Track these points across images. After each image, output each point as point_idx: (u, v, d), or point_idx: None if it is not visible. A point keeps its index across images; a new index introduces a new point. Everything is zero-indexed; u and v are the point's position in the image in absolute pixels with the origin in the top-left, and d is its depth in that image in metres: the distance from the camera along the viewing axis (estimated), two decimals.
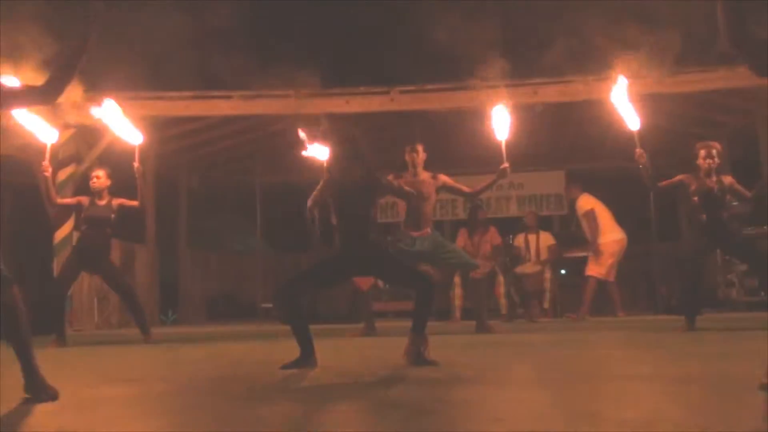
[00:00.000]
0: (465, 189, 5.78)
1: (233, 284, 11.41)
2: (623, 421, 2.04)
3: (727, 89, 7.39)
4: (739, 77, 6.83)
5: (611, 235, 8.10)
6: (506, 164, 5.38)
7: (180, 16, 6.13)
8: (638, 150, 5.16)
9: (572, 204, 8.76)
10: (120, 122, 5.40)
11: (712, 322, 5.91)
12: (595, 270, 8.04)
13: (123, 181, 5.88)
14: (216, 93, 7.72)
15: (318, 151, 5.11)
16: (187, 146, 9.78)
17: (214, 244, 12.00)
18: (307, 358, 3.54)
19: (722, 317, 6.76)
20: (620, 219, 8.57)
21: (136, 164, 5.49)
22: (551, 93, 7.39)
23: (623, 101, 5.11)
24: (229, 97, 7.72)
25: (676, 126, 9.32)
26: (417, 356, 3.47)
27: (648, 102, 6.63)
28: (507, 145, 5.38)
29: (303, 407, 2.48)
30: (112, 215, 5.63)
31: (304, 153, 5.16)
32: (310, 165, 5.54)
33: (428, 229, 5.60)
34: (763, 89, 5.75)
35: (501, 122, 5.36)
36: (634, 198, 10.66)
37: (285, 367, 3.44)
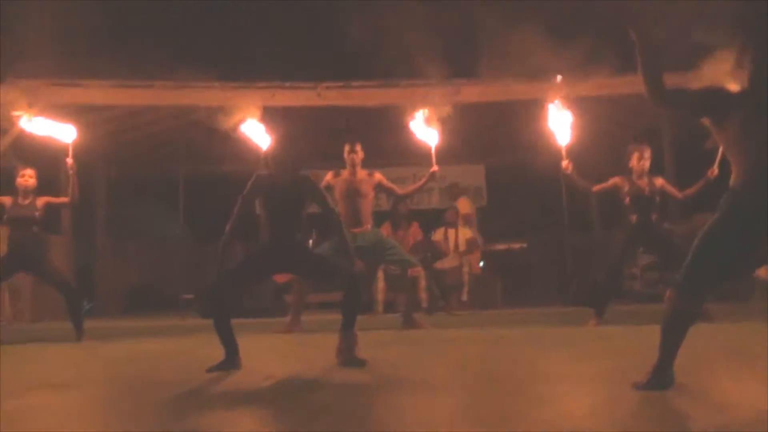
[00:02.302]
0: (397, 190, 6.04)
1: (154, 274, 11.18)
2: (532, 421, 2.24)
3: (637, 94, 7.82)
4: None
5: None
6: (436, 167, 5.64)
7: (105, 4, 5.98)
8: (565, 162, 5.43)
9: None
10: (48, 124, 5.29)
11: (617, 315, 6.31)
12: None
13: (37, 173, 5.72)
14: (137, 82, 7.54)
15: (258, 141, 5.18)
16: (105, 134, 9.48)
17: (134, 233, 11.70)
18: (231, 360, 3.59)
19: (626, 309, 7.23)
20: (535, 210, 9.05)
21: (69, 160, 5.40)
22: (473, 93, 7.65)
23: (558, 116, 5.36)
24: (150, 86, 7.56)
25: (591, 126, 9.81)
26: (348, 354, 3.60)
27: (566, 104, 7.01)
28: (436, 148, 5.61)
29: (229, 414, 2.54)
30: (36, 213, 5.47)
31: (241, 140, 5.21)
32: (235, 154, 5.57)
33: (368, 226, 5.78)
34: None
35: (431, 127, 5.57)
36: (547, 190, 11.17)
37: (210, 370, 3.48)
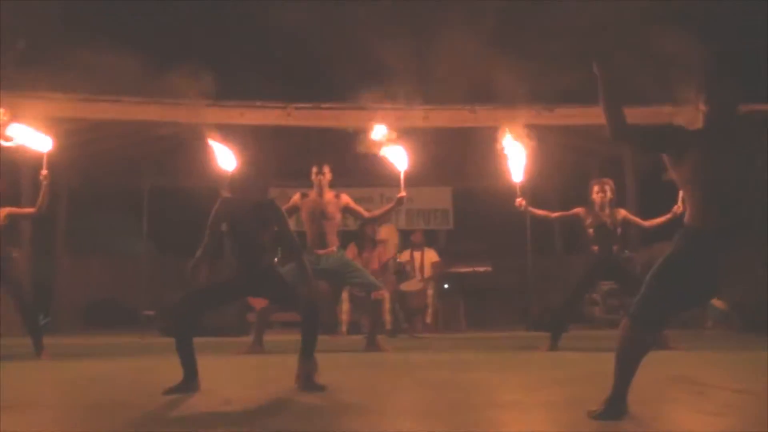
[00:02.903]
0: (364, 213, 6.06)
1: (115, 289, 10.98)
2: None
3: (599, 124, 8.03)
4: None
5: None
6: (403, 193, 5.69)
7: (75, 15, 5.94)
8: (518, 200, 5.63)
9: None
10: (26, 132, 5.21)
11: (579, 340, 6.41)
12: None
13: None
14: (105, 97, 7.47)
15: (223, 161, 5.16)
16: (68, 145, 9.34)
17: (96, 247, 11.50)
18: (189, 383, 3.56)
19: (587, 335, 7.35)
20: (500, 234, 9.16)
21: (44, 171, 5.32)
22: (441, 118, 7.77)
23: (513, 153, 5.52)
24: (118, 102, 7.49)
25: (556, 152, 10.02)
26: (307, 381, 3.61)
27: (530, 130, 7.19)
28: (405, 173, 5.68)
29: None
30: None
31: (210, 160, 5.19)
32: (201, 169, 5.55)
33: (333, 248, 5.80)
34: None
35: (400, 153, 5.64)
36: (511, 214, 11.30)
37: (168, 392, 3.44)
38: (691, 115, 2.91)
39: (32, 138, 5.34)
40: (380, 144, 5.73)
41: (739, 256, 2.62)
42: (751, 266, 2.62)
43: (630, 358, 2.77)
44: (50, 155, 8.66)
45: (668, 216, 5.77)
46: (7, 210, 5.45)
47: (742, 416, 2.79)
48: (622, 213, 5.86)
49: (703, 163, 2.73)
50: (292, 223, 4.47)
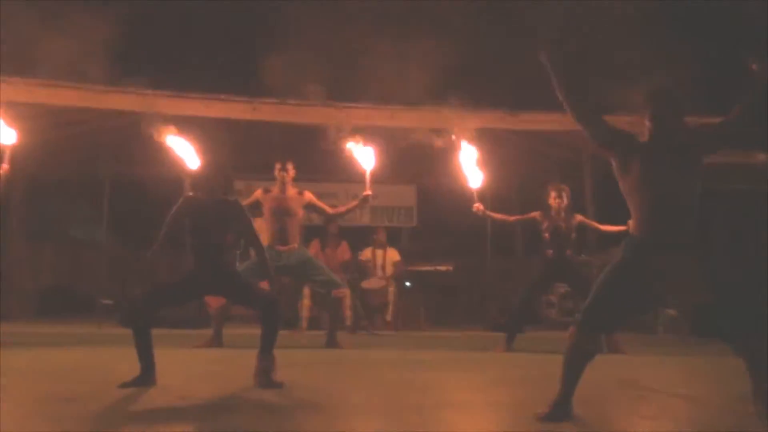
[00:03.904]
0: (327, 210, 6.09)
1: (71, 277, 10.80)
2: None
3: (560, 130, 8.22)
4: (570, 121, 7.64)
5: None
6: (369, 192, 5.74)
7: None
8: (475, 205, 5.76)
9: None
10: None
11: (534, 341, 6.54)
12: None
13: None
14: (64, 83, 7.32)
15: (186, 159, 5.14)
16: (27, 130, 9.12)
17: (53, 233, 11.28)
18: (146, 376, 3.57)
19: (543, 336, 7.51)
20: (461, 233, 9.29)
21: (5, 166, 5.16)
22: (407, 118, 7.84)
23: (468, 161, 5.63)
24: (78, 89, 7.36)
25: (517, 156, 10.20)
26: (265, 378, 3.64)
27: (491, 134, 7.35)
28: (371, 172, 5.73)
29: None
30: None
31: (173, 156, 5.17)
32: (163, 159, 5.50)
33: (295, 245, 5.82)
34: None
35: (365, 153, 5.69)
36: (473, 215, 11.45)
37: (123, 385, 3.44)
38: (641, 127, 3.03)
39: None
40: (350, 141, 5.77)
41: (678, 266, 2.75)
42: (690, 276, 2.75)
43: (576, 363, 2.89)
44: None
45: (624, 228, 5.94)
46: None
47: (676, 420, 2.94)
48: (578, 218, 6.04)
49: (645, 176, 2.85)
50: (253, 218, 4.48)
